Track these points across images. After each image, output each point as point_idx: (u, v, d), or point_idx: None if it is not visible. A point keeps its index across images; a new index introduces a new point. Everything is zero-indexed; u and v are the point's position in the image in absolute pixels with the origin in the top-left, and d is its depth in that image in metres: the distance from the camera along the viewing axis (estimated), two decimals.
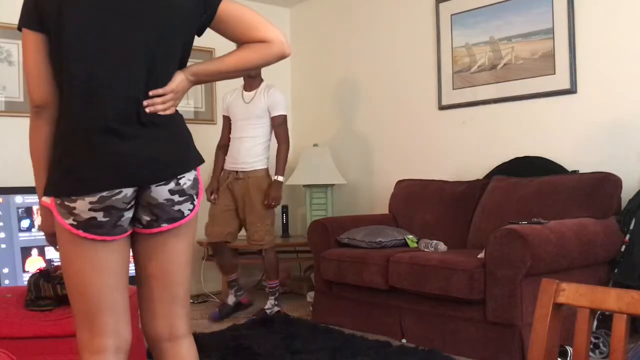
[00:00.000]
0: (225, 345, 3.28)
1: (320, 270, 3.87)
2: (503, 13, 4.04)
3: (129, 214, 1.57)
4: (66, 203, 1.51)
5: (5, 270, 3.82)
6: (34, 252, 3.92)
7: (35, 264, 3.85)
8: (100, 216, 1.51)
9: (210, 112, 5.20)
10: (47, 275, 2.48)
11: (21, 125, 4.10)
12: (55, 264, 3.53)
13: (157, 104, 1.56)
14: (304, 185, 4.96)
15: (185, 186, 1.60)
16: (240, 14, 1.62)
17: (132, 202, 1.56)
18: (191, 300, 4.43)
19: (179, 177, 1.59)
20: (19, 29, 1.55)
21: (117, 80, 1.51)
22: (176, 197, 1.59)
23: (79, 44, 1.49)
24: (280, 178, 4.10)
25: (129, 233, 1.61)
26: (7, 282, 3.78)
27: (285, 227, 5.07)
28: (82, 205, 1.50)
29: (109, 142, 1.50)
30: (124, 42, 1.51)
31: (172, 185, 1.58)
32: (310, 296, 4.34)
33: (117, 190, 1.51)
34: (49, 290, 2.43)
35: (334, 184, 4.93)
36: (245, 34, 1.62)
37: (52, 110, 1.57)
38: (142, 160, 1.53)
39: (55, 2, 1.48)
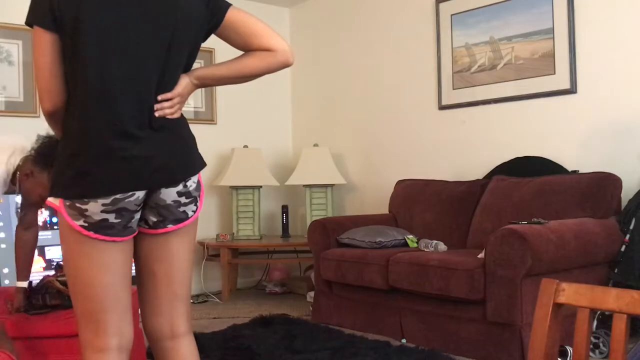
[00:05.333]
0: (225, 345, 3.27)
1: (320, 270, 3.87)
2: (503, 13, 4.04)
3: (138, 215, 1.59)
4: (77, 205, 1.51)
5: (5, 271, 3.82)
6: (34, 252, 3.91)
7: (35, 264, 3.84)
8: (112, 218, 1.53)
9: (210, 112, 5.20)
10: (33, 289, 2.49)
11: (21, 125, 4.14)
12: (55, 264, 3.54)
13: (165, 108, 1.58)
14: (304, 185, 4.97)
15: (191, 188, 1.64)
16: (247, 22, 1.64)
17: (142, 204, 1.58)
18: (191, 300, 4.43)
19: (186, 179, 1.62)
20: (29, 25, 1.53)
21: (133, 86, 1.52)
22: (183, 199, 1.62)
23: (98, 49, 1.49)
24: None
25: (136, 233, 1.63)
26: (7, 282, 3.77)
27: (285, 227, 5.07)
28: (95, 207, 1.51)
29: (124, 146, 1.51)
30: (140, 49, 1.52)
31: (180, 187, 1.60)
32: (310, 296, 4.34)
33: (130, 193, 1.53)
34: (37, 302, 2.45)
35: (334, 184, 4.93)
36: (251, 42, 1.64)
37: (62, 112, 1.57)
38: (155, 163, 1.55)
39: (74, 6, 1.47)
